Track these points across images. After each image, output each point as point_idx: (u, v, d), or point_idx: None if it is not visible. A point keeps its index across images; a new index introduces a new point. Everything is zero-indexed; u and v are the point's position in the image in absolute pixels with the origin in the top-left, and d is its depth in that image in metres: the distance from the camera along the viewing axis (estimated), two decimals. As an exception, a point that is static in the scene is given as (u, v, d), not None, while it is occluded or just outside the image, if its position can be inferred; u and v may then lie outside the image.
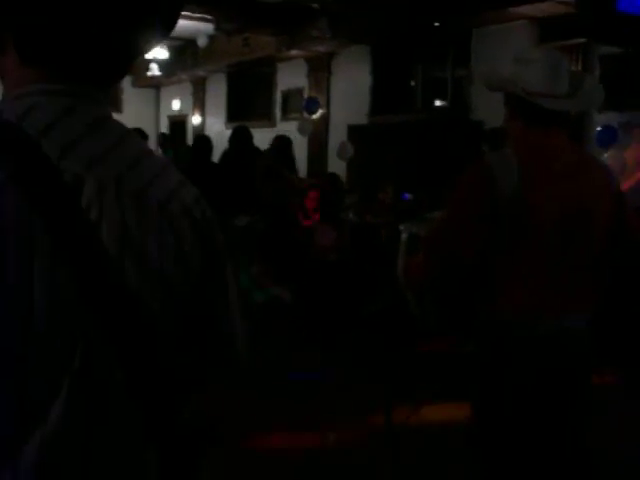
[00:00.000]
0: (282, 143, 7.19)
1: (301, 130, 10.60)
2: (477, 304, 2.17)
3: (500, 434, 2.18)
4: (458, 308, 2.37)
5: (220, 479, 3.53)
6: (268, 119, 12.42)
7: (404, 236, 4.96)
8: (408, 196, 7.62)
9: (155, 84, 16.42)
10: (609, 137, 6.92)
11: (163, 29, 0.97)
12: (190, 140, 13.41)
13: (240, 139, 6.96)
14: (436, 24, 8.38)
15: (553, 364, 2.10)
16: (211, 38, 11.96)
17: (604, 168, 2.31)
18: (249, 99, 13.44)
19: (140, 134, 7.55)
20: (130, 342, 0.86)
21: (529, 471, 2.17)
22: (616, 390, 4.26)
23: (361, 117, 10.30)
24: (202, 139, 7.27)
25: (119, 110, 16.38)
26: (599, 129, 6.98)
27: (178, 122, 15.87)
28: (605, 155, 6.61)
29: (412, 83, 9.85)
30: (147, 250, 0.89)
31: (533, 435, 2.14)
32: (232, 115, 13.82)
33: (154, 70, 13.26)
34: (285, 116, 12.26)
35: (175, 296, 0.93)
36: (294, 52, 10.97)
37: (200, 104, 15.10)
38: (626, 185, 5.48)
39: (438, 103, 9.58)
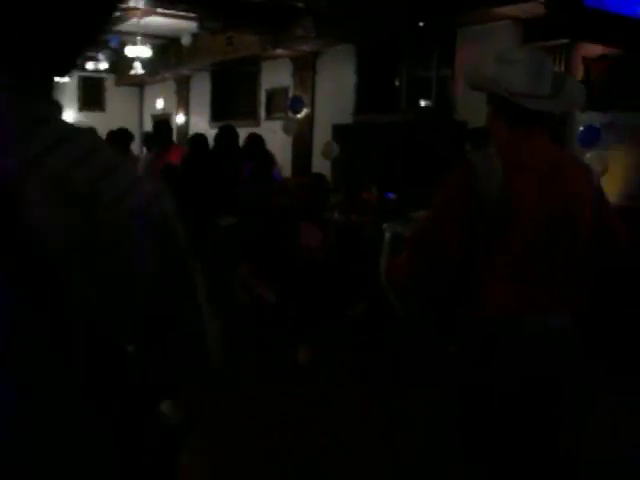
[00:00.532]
0: (254, 141, 7.16)
1: (286, 129, 10.58)
2: (462, 304, 2.17)
3: (486, 434, 2.18)
4: (443, 308, 2.37)
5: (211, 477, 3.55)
6: (253, 118, 12.39)
7: (388, 236, 4.96)
8: (392, 195, 7.63)
9: (139, 83, 16.35)
10: (592, 137, 6.96)
11: (103, 19, 0.94)
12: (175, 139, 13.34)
13: (226, 138, 6.92)
14: (420, 24, 8.39)
15: (538, 363, 2.11)
16: (195, 37, 11.92)
17: (586, 168, 2.32)
18: (233, 98, 13.40)
19: (126, 135, 7.50)
20: (76, 345, 0.84)
21: (516, 470, 2.17)
22: (603, 389, 4.28)
23: (346, 116, 10.30)
24: (199, 138, 7.15)
25: (102, 109, 16.34)
26: (582, 129, 7.02)
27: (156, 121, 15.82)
28: (588, 155, 6.65)
29: (397, 83, 9.85)
30: (96, 252, 0.85)
31: (518, 435, 2.14)
32: (216, 114, 13.78)
33: (137, 69, 13.19)
34: (270, 115, 12.24)
35: (130, 297, 0.90)
36: (279, 51, 10.95)
37: (184, 103, 15.05)
38: None
39: (422, 103, 9.59)
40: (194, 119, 14.63)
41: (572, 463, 2.27)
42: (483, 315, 2.12)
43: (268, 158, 7.20)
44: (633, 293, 5.24)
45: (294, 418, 4.07)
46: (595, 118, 6.93)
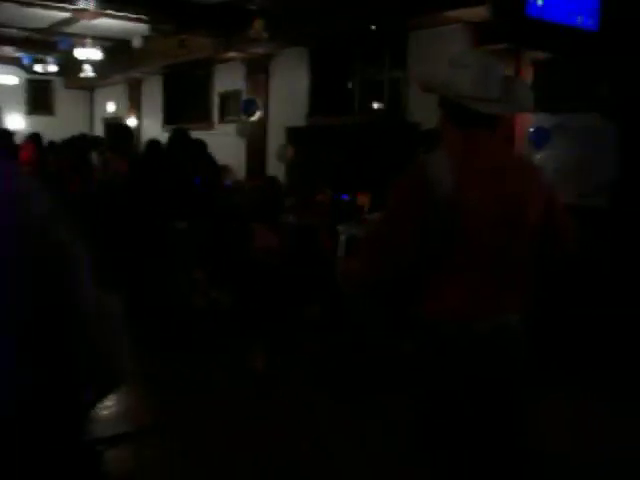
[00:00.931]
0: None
1: (240, 132, 10.55)
2: (416, 304, 2.19)
3: (441, 434, 2.20)
4: (397, 309, 2.38)
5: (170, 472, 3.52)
6: (206, 121, 12.31)
7: (343, 238, 4.98)
8: (346, 197, 7.66)
9: (89, 86, 16.11)
10: (542, 138, 7.10)
11: None
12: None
13: (178, 142, 6.86)
14: (373, 27, 8.44)
15: (488, 364, 2.13)
16: (146, 39, 11.79)
17: (536, 169, 2.35)
18: (186, 101, 13.31)
19: (85, 141, 7.38)
20: None
21: (474, 471, 2.19)
22: (556, 389, 4.36)
23: (300, 119, 10.30)
24: (154, 144, 7.06)
25: (51, 113, 16.05)
26: (532, 130, 7.15)
27: (113, 125, 15.61)
28: (538, 156, 6.78)
29: (350, 85, 9.90)
30: None
31: (471, 434, 2.16)
32: (169, 118, 13.66)
33: (88, 71, 12.99)
34: (223, 118, 12.18)
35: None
36: (231, 54, 10.91)
37: (136, 106, 14.88)
38: None
39: (375, 105, 9.65)
40: (146, 123, 14.48)
41: (524, 461, 2.30)
42: (434, 318, 2.14)
43: (213, 163, 7.15)
44: (583, 293, 5.35)
45: (273, 423, 4.07)
46: (545, 120, 7.07)
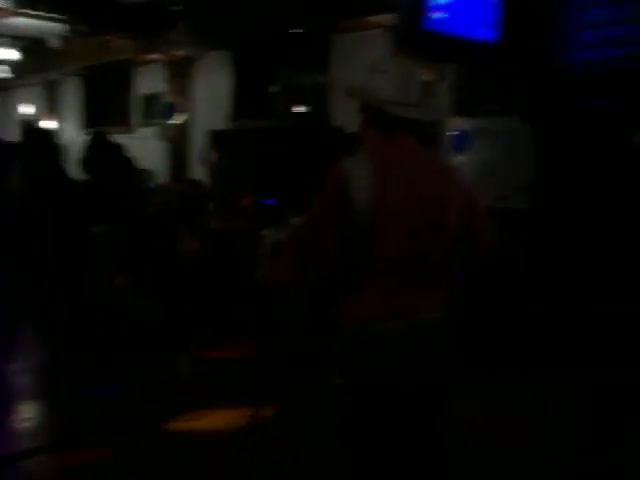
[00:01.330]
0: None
1: (161, 136, 10.40)
2: (337, 309, 2.19)
3: (363, 433, 2.20)
4: (320, 313, 2.38)
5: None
6: (127, 124, 12.08)
7: (267, 242, 4.97)
8: (271, 202, 7.64)
9: (4, 87, 15.59)
10: (463, 142, 7.24)
11: None
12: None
13: (98, 146, 6.70)
14: (296, 31, 8.45)
15: (408, 358, 2.14)
16: (65, 39, 11.47)
17: (456, 172, 2.38)
18: (106, 104, 13.02)
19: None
20: None
21: (392, 468, 2.20)
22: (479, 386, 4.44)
23: (223, 122, 10.23)
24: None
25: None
26: (453, 134, 7.28)
27: (30, 128, 15.13)
28: (459, 159, 6.91)
29: (274, 89, 9.88)
30: None
31: (393, 432, 2.17)
32: (89, 121, 13.34)
33: (3, 72, 12.56)
34: (145, 121, 11.97)
35: None
36: (153, 56, 10.74)
37: (54, 108, 14.48)
38: None
39: (299, 109, 9.67)
40: (65, 126, 14.10)
41: (445, 460, 2.32)
42: (354, 322, 2.15)
43: (130, 166, 7.01)
44: (503, 294, 5.47)
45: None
46: (466, 123, 7.21)
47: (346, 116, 7.05)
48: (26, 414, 4.15)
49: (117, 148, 6.72)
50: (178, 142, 10.89)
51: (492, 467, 3.68)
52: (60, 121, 14.35)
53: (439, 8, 2.43)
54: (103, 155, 6.54)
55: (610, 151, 5.88)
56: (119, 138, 7.19)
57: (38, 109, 14.98)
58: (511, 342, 5.11)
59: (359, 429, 2.19)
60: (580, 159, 6.10)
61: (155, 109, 11.52)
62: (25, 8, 9.71)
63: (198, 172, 10.10)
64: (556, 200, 6.50)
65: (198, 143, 10.54)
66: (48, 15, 10.05)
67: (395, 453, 2.17)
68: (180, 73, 10.91)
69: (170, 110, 10.55)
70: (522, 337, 5.20)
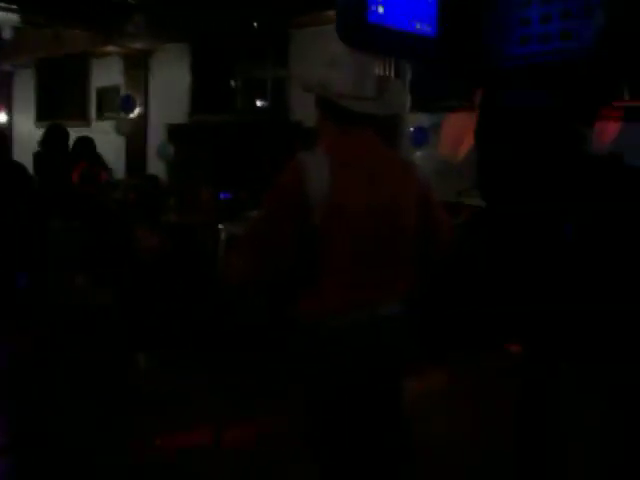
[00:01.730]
0: (83, 144, 6.87)
1: (118, 130, 10.27)
2: (294, 304, 2.18)
3: (322, 431, 2.20)
4: (278, 308, 2.37)
5: None
6: (83, 118, 11.90)
7: (224, 236, 4.94)
8: (228, 196, 7.61)
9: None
10: (421, 137, 7.30)
11: None
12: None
13: (54, 139, 6.58)
14: (255, 24, 8.41)
15: (366, 349, 2.14)
16: (18, 30, 11.24)
17: (412, 167, 2.38)
18: (62, 96, 12.80)
19: None
20: None
21: (352, 462, 2.20)
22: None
23: (181, 116, 10.15)
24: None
25: None
26: (412, 130, 7.34)
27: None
28: (417, 154, 6.97)
29: (233, 83, 9.83)
30: None
31: (352, 425, 2.17)
32: (43, 113, 13.10)
33: (-47, 63, 12.28)
34: (101, 115, 11.81)
35: None
36: (109, 48, 10.60)
37: (6, 101, 14.18)
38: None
39: (258, 103, 9.63)
40: (18, 119, 13.82)
41: (402, 451, 2.33)
42: (311, 317, 2.15)
43: (98, 162, 6.93)
44: (462, 290, 5.51)
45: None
46: (424, 119, 7.27)
47: (305, 110, 7.07)
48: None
49: (85, 142, 6.63)
50: (135, 136, 10.76)
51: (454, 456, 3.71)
52: (13, 114, 14.08)
53: (380, 1, 2.45)
54: (61, 149, 6.44)
55: (547, 147, 5.95)
56: (75, 132, 7.09)
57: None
58: (468, 338, 5.16)
59: (322, 425, 2.19)
60: (517, 156, 6.18)
61: (112, 102, 11.37)
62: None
63: (156, 166, 10.01)
64: (501, 198, 6.57)
65: (155, 137, 10.44)
66: (1, 5, 9.84)
67: (357, 445, 2.18)
68: (137, 66, 10.79)
69: (127, 103, 10.42)
70: (481, 334, 5.25)
